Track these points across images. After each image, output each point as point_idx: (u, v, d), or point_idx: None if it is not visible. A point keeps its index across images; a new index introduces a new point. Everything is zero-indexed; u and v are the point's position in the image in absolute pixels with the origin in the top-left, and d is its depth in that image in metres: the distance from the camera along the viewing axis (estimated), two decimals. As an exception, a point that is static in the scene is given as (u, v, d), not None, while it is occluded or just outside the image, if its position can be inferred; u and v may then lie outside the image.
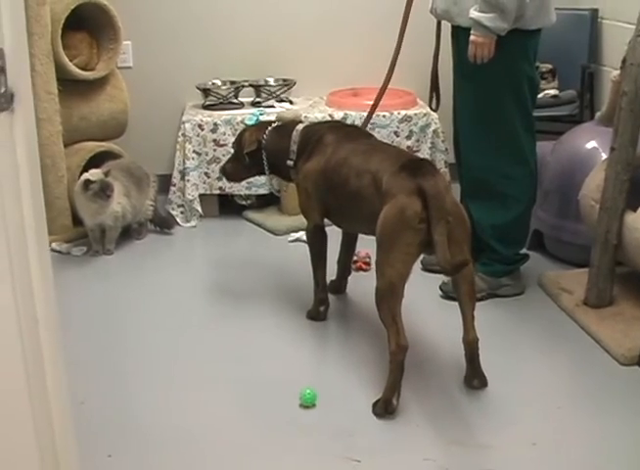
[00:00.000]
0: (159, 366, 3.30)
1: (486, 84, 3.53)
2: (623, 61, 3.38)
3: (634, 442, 2.82)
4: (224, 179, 4.60)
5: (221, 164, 3.91)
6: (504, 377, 3.18)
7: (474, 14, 3.35)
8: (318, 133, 3.44)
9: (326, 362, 3.29)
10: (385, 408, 2.91)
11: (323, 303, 3.60)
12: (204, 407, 3.01)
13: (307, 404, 2.98)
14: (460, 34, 3.53)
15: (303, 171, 3.43)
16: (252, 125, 3.82)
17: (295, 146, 3.49)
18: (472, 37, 3.40)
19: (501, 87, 3.53)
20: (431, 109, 4.06)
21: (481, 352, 3.07)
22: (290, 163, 3.50)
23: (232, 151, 3.90)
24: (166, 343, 3.48)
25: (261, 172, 3.71)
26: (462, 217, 2.97)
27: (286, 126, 3.65)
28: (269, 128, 3.64)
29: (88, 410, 2.92)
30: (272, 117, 4.31)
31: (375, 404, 2.94)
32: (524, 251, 3.91)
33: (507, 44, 3.41)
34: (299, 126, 3.56)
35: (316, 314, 3.59)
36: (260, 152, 3.62)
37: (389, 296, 2.89)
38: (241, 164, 3.71)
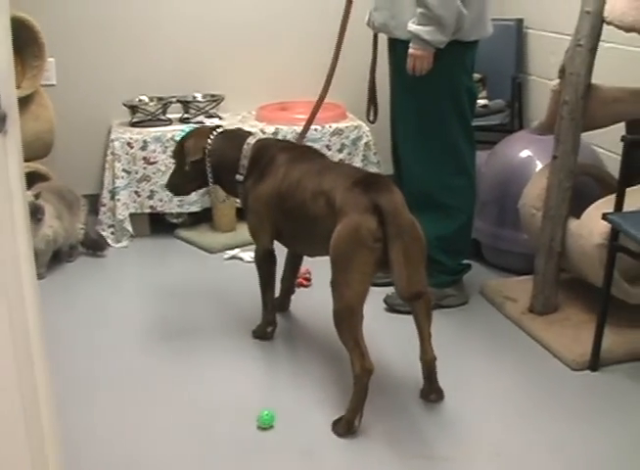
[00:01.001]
0: (99, 394, 3.19)
1: (426, 96, 3.53)
2: (562, 70, 3.42)
3: (598, 446, 2.84)
4: (155, 197, 4.54)
5: (165, 179, 3.73)
6: (458, 388, 3.17)
7: (412, 27, 3.35)
8: (270, 152, 3.32)
9: (279, 382, 3.22)
10: (347, 429, 2.87)
11: (271, 323, 3.53)
12: (157, 435, 2.92)
13: (265, 426, 2.91)
14: (398, 47, 3.53)
15: (255, 194, 3.30)
16: (191, 132, 3.60)
17: (245, 161, 3.35)
18: (410, 50, 3.40)
19: (441, 99, 3.54)
20: (369, 121, 4.03)
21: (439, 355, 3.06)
22: (239, 177, 3.37)
23: (168, 166, 3.78)
24: (104, 370, 3.35)
25: (206, 183, 3.52)
26: (418, 235, 2.87)
27: (234, 135, 3.51)
28: (213, 135, 3.49)
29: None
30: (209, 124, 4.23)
31: (335, 423, 2.90)
32: (466, 261, 3.92)
33: (446, 56, 3.42)
34: (251, 139, 3.41)
35: (263, 334, 3.53)
36: (204, 161, 3.45)
37: (349, 318, 2.82)
38: (186, 175, 3.53)
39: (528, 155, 4.11)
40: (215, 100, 4.95)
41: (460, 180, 3.69)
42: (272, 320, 3.54)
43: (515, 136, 4.35)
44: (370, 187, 2.85)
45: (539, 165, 3.94)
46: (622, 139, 3.18)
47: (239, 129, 3.69)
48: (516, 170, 4.09)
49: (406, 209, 2.86)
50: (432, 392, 3.08)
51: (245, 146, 3.39)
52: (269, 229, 3.32)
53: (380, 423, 2.93)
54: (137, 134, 4.65)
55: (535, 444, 2.86)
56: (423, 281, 2.82)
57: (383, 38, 3.71)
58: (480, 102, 4.78)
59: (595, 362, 3.28)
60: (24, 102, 4.45)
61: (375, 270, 2.82)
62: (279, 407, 2.98)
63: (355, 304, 2.81)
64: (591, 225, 3.35)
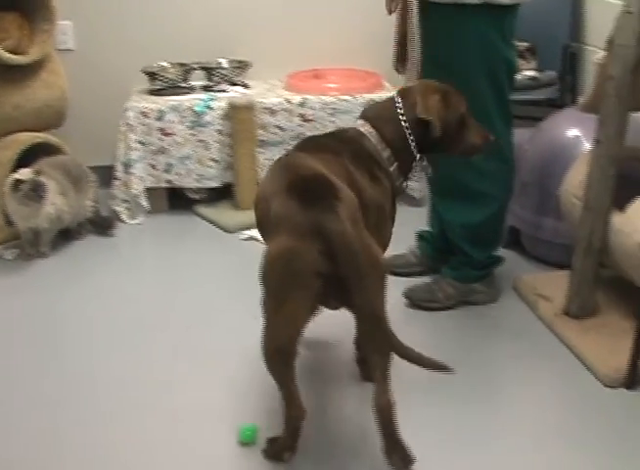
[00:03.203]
0: (82, 387, 2.92)
1: (459, 69, 3.12)
2: (610, 41, 2.98)
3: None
4: (172, 171, 4.24)
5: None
6: (474, 399, 2.83)
7: None
8: None
9: (272, 394, 2.81)
10: (273, 457, 2.51)
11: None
12: (129, 439, 2.64)
13: (247, 441, 2.60)
14: (432, 11, 3.13)
15: None
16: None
17: None
18: None
19: (475, 71, 3.13)
20: (397, 70, 3.54)
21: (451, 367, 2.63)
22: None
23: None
24: (98, 360, 3.10)
25: None
26: (374, 260, 2.26)
27: None
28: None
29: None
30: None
31: (269, 442, 2.53)
32: (499, 253, 3.51)
33: (480, 21, 3.03)
34: None
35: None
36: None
37: (272, 360, 2.34)
38: None
39: (577, 134, 3.68)
40: (241, 66, 4.60)
41: (494, 164, 3.27)
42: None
43: (564, 113, 3.90)
44: (309, 199, 2.24)
45: (588, 147, 3.50)
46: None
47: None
48: (562, 151, 3.66)
49: (358, 226, 2.26)
50: (394, 451, 2.39)
51: None
52: None
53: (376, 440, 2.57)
54: (152, 103, 4.32)
55: (557, 468, 2.51)
56: (378, 310, 2.29)
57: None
58: (529, 73, 4.38)
59: (632, 379, 2.87)
60: (33, 69, 4.19)
61: (314, 308, 2.30)
62: (266, 422, 2.63)
63: (282, 347, 2.31)
64: (636, 221, 2.92)
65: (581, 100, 3.37)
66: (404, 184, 2.80)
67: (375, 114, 2.81)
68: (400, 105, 2.77)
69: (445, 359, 2.85)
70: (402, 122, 2.74)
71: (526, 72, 4.36)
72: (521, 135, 3.96)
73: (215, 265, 3.90)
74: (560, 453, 2.58)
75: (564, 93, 4.37)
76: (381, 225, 2.62)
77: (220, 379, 2.96)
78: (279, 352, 2.33)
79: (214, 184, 4.41)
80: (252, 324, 3.19)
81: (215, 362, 3.07)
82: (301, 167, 2.42)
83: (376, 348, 2.36)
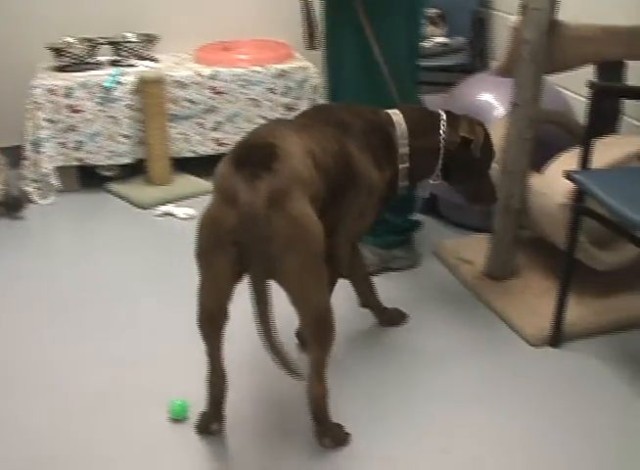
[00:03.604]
0: (7, 371, 2.85)
1: (379, 29, 3.10)
2: (523, 5, 3.00)
3: (555, 433, 2.51)
4: (82, 149, 4.15)
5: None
6: (401, 364, 2.84)
7: None
8: None
9: (201, 370, 2.73)
10: (202, 429, 2.50)
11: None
12: (57, 420, 2.59)
13: (177, 417, 2.57)
14: None
15: None
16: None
17: None
18: None
19: (395, 31, 3.12)
20: (306, 47, 3.48)
21: (375, 333, 2.64)
22: None
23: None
24: (13, 342, 3.02)
25: None
26: (301, 236, 2.20)
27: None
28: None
29: None
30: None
31: (199, 416, 2.52)
32: (415, 217, 3.53)
33: None
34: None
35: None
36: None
37: (204, 323, 2.36)
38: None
39: (490, 99, 3.70)
40: (149, 40, 4.50)
41: None
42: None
43: (475, 78, 3.93)
44: (240, 165, 2.21)
45: (502, 112, 3.53)
46: (590, 85, 2.79)
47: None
48: (475, 116, 3.68)
49: (288, 200, 2.18)
50: (325, 435, 2.43)
51: None
52: None
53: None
54: (60, 80, 4.20)
55: (486, 433, 2.53)
56: (306, 291, 2.27)
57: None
58: (439, 40, 4.39)
59: (556, 337, 2.93)
60: None
61: (236, 276, 2.25)
62: (196, 398, 2.56)
63: (207, 310, 2.33)
64: (554, 183, 2.97)
65: (495, 64, 3.39)
66: (403, 188, 2.79)
67: (416, 114, 2.80)
68: (445, 121, 2.79)
69: (369, 326, 2.89)
70: (441, 134, 2.76)
71: (437, 39, 4.38)
72: (433, 101, 3.98)
73: (131, 242, 3.83)
74: (489, 414, 2.62)
75: (474, 58, 4.41)
76: (365, 210, 2.62)
77: (147, 355, 2.92)
78: (207, 316, 2.34)
79: (126, 160, 4.32)
80: (174, 298, 3.20)
81: (141, 339, 3.02)
82: (257, 135, 2.41)
83: (309, 333, 2.35)
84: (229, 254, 2.19)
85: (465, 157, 2.78)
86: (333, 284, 2.68)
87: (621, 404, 2.66)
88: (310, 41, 3.33)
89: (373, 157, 2.61)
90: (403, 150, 2.70)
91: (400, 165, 2.70)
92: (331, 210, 2.44)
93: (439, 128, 2.77)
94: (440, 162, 2.78)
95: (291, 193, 2.20)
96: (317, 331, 2.32)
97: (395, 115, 2.73)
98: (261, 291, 2.17)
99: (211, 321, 2.35)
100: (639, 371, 2.81)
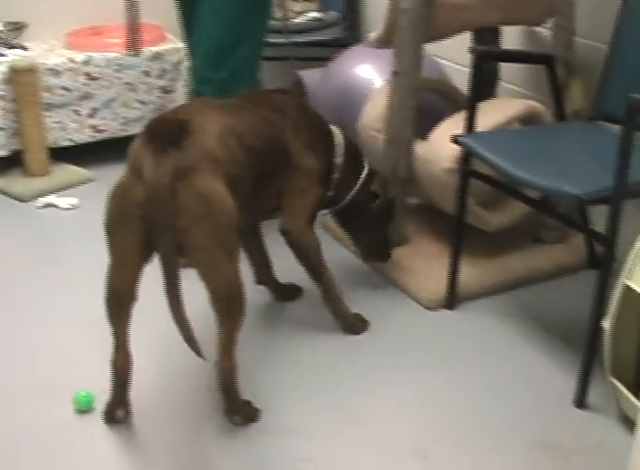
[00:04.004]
0: None
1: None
2: (399, -25, 3.04)
3: (455, 392, 2.59)
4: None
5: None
6: (302, 338, 2.86)
7: None
8: None
9: (102, 360, 2.54)
10: (106, 419, 2.47)
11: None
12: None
13: (83, 408, 2.51)
14: None
15: None
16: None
17: None
18: None
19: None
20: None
21: (274, 309, 2.70)
22: None
23: None
24: None
25: None
26: (206, 213, 2.20)
27: None
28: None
29: None
30: None
31: (106, 405, 2.48)
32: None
33: None
34: None
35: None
36: None
37: (111, 302, 2.33)
38: None
39: (368, 70, 3.74)
40: (17, 28, 4.36)
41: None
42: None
43: (351, 51, 3.95)
44: (149, 139, 2.22)
45: (381, 82, 3.57)
46: (471, 50, 2.86)
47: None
48: (354, 89, 3.72)
49: (194, 176, 2.19)
50: (235, 411, 2.43)
51: None
52: None
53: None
54: None
55: (390, 399, 2.58)
56: (226, 276, 2.29)
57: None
58: (313, 15, 4.40)
59: (451, 300, 3.00)
60: None
61: (145, 252, 2.24)
62: (101, 389, 2.51)
63: (114, 288, 2.31)
64: (439, 148, 3.03)
65: (373, 35, 3.43)
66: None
67: (349, 142, 2.94)
68: (367, 166, 2.98)
69: (266, 302, 2.88)
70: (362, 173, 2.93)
71: (310, 14, 4.40)
72: (310, 77, 4.02)
73: (15, 235, 3.70)
74: (393, 379, 2.67)
75: (349, 32, 4.43)
76: (306, 189, 2.70)
77: (43, 347, 2.86)
78: (115, 294, 2.31)
79: (2, 153, 4.17)
80: (66, 288, 3.15)
81: (34, 331, 2.95)
82: (173, 111, 2.48)
83: (218, 308, 2.32)
84: (136, 228, 2.19)
85: (367, 208, 2.96)
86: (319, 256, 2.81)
87: (518, 356, 2.76)
88: (133, 45, 3.25)
89: (309, 141, 2.69)
90: (339, 160, 2.83)
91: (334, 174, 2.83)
92: (268, 189, 2.57)
93: (362, 168, 2.93)
94: (352, 194, 2.91)
95: (198, 169, 2.21)
96: (227, 306, 2.31)
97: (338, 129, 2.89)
98: (170, 268, 2.16)
99: (119, 300, 2.32)
100: (530, 325, 2.91)
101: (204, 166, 2.22)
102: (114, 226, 2.24)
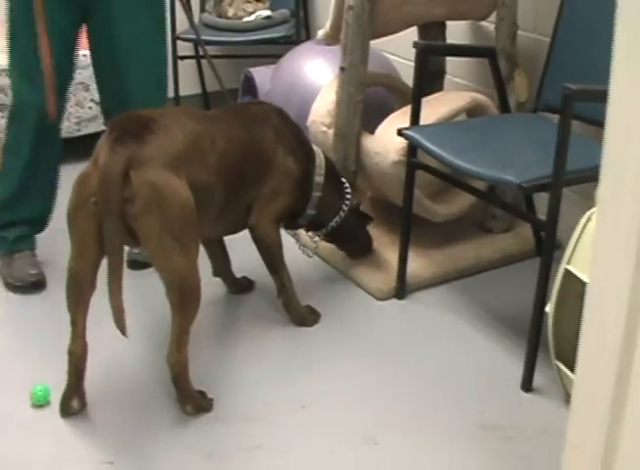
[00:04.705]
0: None
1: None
2: (344, -28, 3.09)
3: (408, 381, 2.63)
4: None
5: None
6: (256, 329, 2.90)
7: None
8: None
9: (56, 353, 2.57)
10: (64, 408, 2.48)
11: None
12: None
13: (39, 403, 2.53)
14: None
15: None
16: None
17: None
18: None
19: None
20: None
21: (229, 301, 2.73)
22: None
23: None
24: None
25: None
26: (159, 204, 2.23)
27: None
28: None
29: None
30: None
31: (62, 397, 2.49)
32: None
33: None
34: None
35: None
36: None
37: (70, 288, 2.37)
38: None
39: (317, 67, 3.79)
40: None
41: None
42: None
43: (301, 48, 4.02)
44: (112, 131, 2.30)
45: (330, 78, 3.62)
46: (415, 45, 2.91)
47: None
48: (304, 85, 3.77)
49: (153, 167, 2.25)
50: (187, 402, 2.46)
51: None
52: None
53: (160, 388, 2.56)
54: None
55: (342, 387, 2.62)
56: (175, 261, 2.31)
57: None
58: (263, 13, 4.44)
59: (401, 290, 3.05)
60: None
61: (99, 245, 2.27)
62: (56, 382, 2.53)
63: (73, 274, 2.35)
64: (386, 141, 3.08)
65: (321, 32, 3.47)
66: (307, 217, 2.96)
67: (330, 162, 3.02)
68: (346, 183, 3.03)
69: (222, 295, 2.91)
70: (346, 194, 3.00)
71: (261, 12, 4.43)
72: (261, 74, 4.05)
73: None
74: (344, 369, 2.71)
75: (298, 29, 4.48)
76: (279, 190, 2.76)
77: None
78: (74, 281, 2.35)
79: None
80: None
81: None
82: (146, 110, 2.49)
83: (171, 299, 2.35)
84: (92, 214, 2.23)
85: (353, 218, 3.05)
86: (280, 253, 2.89)
87: (467, 344, 2.82)
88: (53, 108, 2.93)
89: (290, 146, 2.79)
90: (319, 179, 2.88)
91: (313, 193, 2.88)
92: (241, 202, 2.67)
93: (344, 190, 3.00)
94: (337, 219, 2.99)
95: (154, 161, 2.26)
96: (180, 297, 2.34)
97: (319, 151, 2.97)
98: (114, 253, 2.24)
99: (79, 288, 2.35)
100: (479, 313, 2.98)
101: (162, 160, 2.27)
102: (73, 215, 2.29)
